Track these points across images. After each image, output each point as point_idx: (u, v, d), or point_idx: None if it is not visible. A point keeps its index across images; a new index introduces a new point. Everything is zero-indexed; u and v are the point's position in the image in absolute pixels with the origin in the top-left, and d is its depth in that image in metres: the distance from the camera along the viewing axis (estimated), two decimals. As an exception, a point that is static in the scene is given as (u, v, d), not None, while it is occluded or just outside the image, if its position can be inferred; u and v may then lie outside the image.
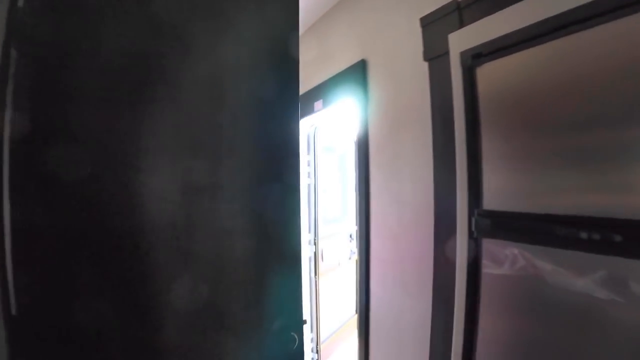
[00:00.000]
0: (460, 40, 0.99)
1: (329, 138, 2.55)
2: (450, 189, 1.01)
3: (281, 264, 0.88)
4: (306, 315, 2.28)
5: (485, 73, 0.94)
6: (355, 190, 1.68)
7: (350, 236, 2.82)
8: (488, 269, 0.88)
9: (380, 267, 1.46)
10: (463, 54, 0.97)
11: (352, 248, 2.77)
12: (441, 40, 1.07)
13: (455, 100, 0.98)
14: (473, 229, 0.90)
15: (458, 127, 0.95)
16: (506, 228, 0.83)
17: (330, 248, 2.46)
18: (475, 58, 0.94)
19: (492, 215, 0.86)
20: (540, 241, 0.75)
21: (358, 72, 1.56)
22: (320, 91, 1.93)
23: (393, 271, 1.37)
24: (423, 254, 1.20)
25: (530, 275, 0.79)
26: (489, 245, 0.88)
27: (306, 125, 2.29)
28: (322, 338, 2.28)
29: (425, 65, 1.17)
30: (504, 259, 0.84)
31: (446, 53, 1.05)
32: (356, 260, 1.74)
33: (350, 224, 2.75)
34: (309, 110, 2.08)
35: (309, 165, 2.40)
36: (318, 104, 1.94)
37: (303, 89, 2.16)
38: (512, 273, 0.83)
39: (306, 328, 2.28)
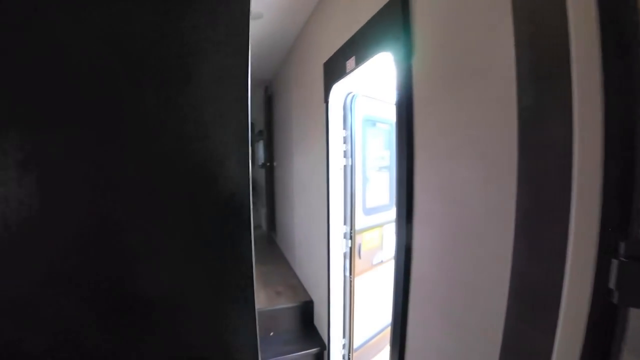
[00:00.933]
0: None
1: (373, 107, 2.07)
2: (556, 187, 0.53)
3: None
4: (338, 318, 1.97)
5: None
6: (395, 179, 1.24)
7: (398, 227, 2.37)
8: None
9: (420, 288, 1.03)
10: None
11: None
12: None
13: (573, 18, 0.47)
14: (611, 282, 0.43)
15: (583, 74, 0.45)
16: None
17: (370, 242, 2.07)
18: None
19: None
20: None
21: (396, 10, 1.06)
22: (352, 46, 1.47)
23: (436, 300, 0.94)
24: (484, 286, 0.75)
25: None
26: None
27: (340, 93, 1.85)
28: (355, 345, 1.96)
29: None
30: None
31: None
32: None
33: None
34: (340, 73, 1.64)
35: (344, 142, 1.98)
36: (350, 63, 1.49)
37: (333, 49, 1.70)
38: None
39: (338, 333, 1.98)
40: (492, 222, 0.74)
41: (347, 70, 1.53)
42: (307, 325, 2.32)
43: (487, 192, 0.75)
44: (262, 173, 5.15)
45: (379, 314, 2.10)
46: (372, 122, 2.05)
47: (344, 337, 1.97)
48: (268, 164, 4.50)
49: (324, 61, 1.87)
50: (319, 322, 2.25)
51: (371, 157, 2.12)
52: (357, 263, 1.95)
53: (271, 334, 2.22)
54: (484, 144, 0.76)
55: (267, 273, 3.06)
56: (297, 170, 2.83)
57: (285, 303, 2.38)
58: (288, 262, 3.34)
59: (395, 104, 1.13)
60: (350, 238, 1.98)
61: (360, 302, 1.95)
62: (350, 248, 1.97)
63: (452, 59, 0.85)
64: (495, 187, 0.73)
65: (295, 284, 2.75)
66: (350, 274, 1.95)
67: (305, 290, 2.59)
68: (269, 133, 4.43)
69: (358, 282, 1.95)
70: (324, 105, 1.92)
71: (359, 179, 2.01)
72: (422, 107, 1.00)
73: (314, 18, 2.17)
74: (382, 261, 2.11)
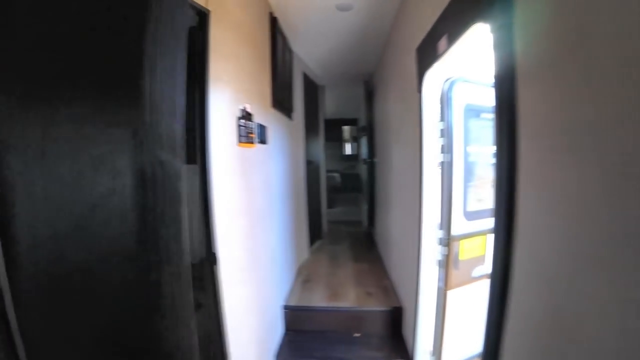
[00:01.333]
0: None
1: (477, 95, 1.73)
2: None
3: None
4: (426, 333, 1.75)
5: None
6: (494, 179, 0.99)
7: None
8: None
9: (520, 325, 0.79)
10: None
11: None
12: None
13: None
14: None
15: None
16: None
17: (471, 252, 1.76)
18: None
19: None
20: None
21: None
22: (442, 23, 1.25)
23: (540, 347, 0.69)
24: (614, 348, 0.49)
25: None
26: None
27: (435, 80, 1.62)
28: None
29: None
30: None
31: None
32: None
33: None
34: (432, 57, 1.43)
35: (442, 135, 1.73)
36: (442, 44, 1.28)
37: (425, 31, 1.50)
38: None
39: (425, 348, 1.76)
40: (629, 251, 0.48)
41: (439, 53, 1.32)
42: (395, 333, 2.18)
43: (623, 202, 0.50)
44: (364, 169, 5.13)
45: (476, 337, 1.76)
46: (476, 112, 1.72)
47: (432, 355, 1.74)
48: (369, 160, 4.45)
49: (416, 46, 1.68)
50: (406, 331, 2.07)
51: (476, 152, 1.79)
52: (453, 274, 1.68)
53: (355, 335, 2.17)
54: (620, 130, 0.50)
55: (361, 272, 3.02)
56: (395, 167, 2.67)
57: (374, 306, 2.29)
58: (383, 263, 3.21)
59: (494, 85, 0.90)
60: (447, 245, 1.73)
61: (454, 319, 1.68)
62: (446, 256, 1.72)
63: (568, 10, 0.60)
64: (635, 194, 0.47)
65: (387, 286, 2.62)
66: (445, 286, 1.71)
67: (396, 295, 2.43)
68: (370, 128, 4.36)
69: (453, 295, 1.68)
70: (418, 95, 1.73)
71: (459, 178, 1.72)
72: (527, 84, 0.76)
73: (405, 2, 1.98)
74: (485, 275, 1.76)
